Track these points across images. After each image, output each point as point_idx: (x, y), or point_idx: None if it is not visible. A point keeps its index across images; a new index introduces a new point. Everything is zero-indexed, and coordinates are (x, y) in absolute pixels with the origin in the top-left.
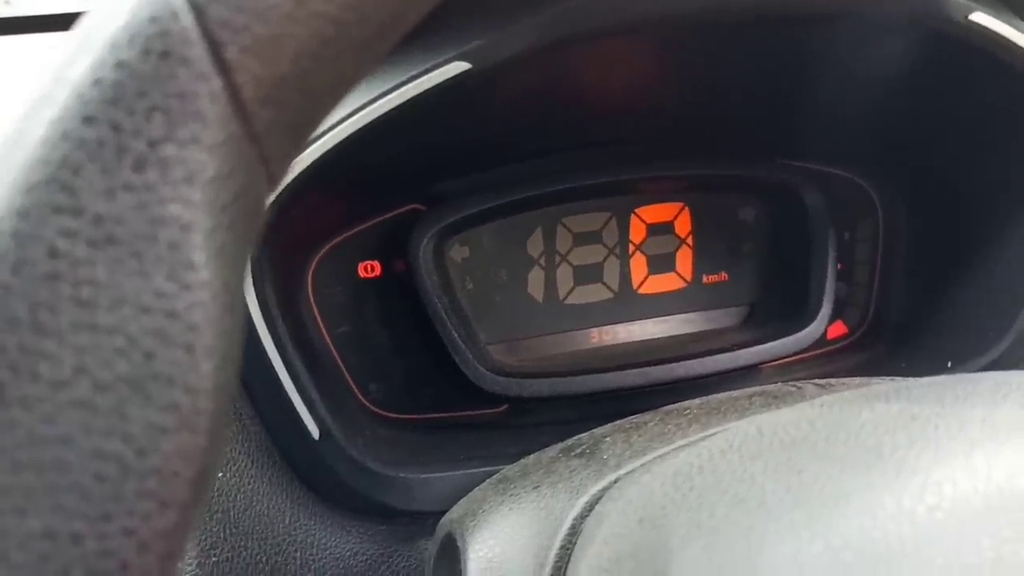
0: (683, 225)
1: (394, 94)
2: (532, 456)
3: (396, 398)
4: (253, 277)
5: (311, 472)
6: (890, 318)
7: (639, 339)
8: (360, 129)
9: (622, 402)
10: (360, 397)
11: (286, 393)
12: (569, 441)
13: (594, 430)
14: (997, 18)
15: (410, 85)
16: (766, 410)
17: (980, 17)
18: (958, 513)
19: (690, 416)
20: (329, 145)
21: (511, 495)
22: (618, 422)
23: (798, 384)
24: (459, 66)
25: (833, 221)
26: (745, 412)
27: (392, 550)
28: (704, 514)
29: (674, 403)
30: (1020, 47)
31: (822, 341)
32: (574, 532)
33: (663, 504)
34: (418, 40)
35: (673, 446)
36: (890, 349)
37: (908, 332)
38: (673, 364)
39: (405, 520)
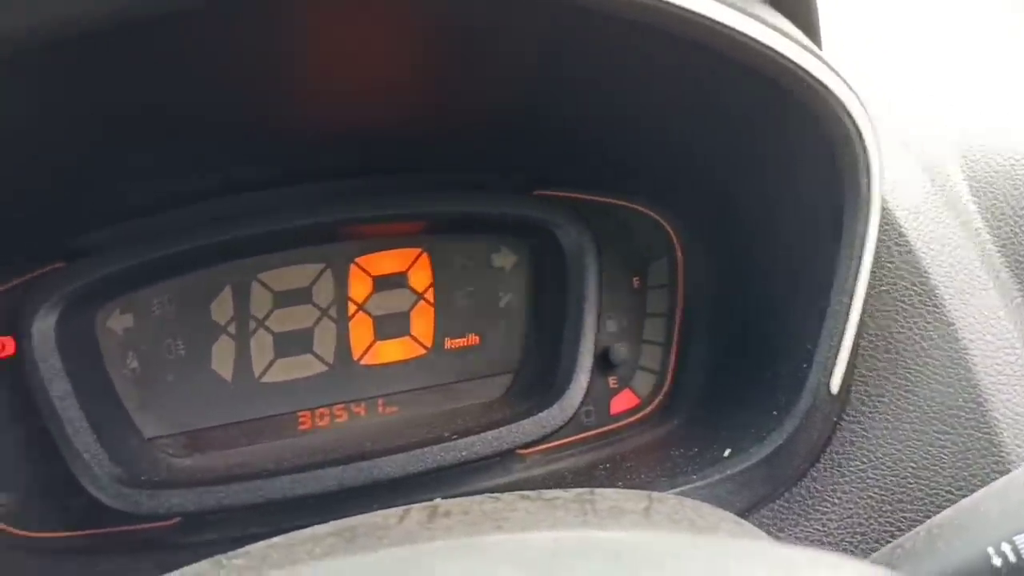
0: (420, 277)
1: None
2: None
3: (32, 512)
4: None
5: None
6: (691, 385)
7: (364, 425)
8: None
9: (340, 506)
10: None
11: None
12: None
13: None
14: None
15: None
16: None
17: None
18: None
19: None
20: None
21: None
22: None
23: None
24: None
25: (613, 263)
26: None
27: None
28: None
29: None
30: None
31: (604, 417)
32: None
33: None
34: None
35: None
36: (686, 425)
37: (710, 403)
38: (405, 455)
39: None
